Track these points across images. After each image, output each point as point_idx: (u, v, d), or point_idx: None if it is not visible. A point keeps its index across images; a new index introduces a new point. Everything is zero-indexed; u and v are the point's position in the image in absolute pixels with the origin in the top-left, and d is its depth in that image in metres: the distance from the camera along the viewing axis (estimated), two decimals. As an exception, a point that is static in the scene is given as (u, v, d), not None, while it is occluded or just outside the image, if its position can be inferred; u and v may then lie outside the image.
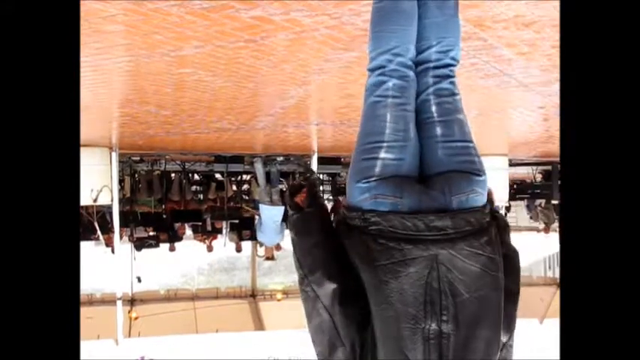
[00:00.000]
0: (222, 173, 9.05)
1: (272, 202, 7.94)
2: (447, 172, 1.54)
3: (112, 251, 8.27)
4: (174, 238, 9.55)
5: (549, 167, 9.77)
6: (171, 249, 9.71)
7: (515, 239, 1.75)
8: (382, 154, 1.54)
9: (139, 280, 9.87)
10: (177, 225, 9.56)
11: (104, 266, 10.62)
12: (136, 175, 9.11)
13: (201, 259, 16.99)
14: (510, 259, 1.58)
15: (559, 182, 8.83)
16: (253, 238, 9.36)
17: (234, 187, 10.02)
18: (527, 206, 11.91)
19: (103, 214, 8.18)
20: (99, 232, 7.78)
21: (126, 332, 8.68)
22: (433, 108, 1.62)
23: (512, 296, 1.56)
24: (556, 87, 3.86)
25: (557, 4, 1.73)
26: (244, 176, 9.78)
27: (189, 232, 10.19)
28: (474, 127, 1.65)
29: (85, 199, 6.53)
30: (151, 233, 9.24)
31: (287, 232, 8.02)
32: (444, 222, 1.45)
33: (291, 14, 2.45)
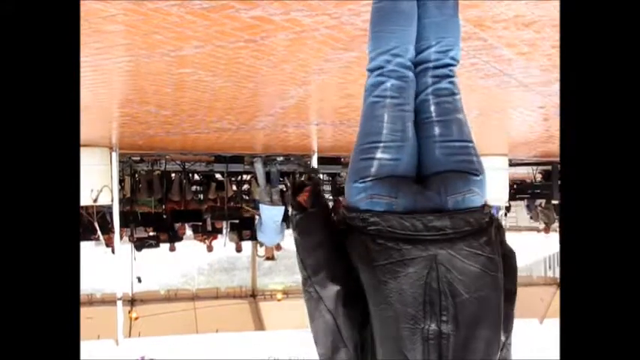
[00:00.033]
0: (222, 173, 9.05)
1: (272, 202, 7.94)
2: (443, 172, 1.54)
3: (112, 251, 8.27)
4: (174, 238, 9.55)
5: (549, 167, 9.77)
6: (172, 249, 9.71)
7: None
8: (379, 155, 1.54)
9: (139, 280, 9.87)
10: (177, 225, 9.56)
11: (104, 266, 10.61)
12: (136, 175, 9.11)
13: (202, 259, 16.98)
14: (507, 259, 1.58)
15: (559, 182, 8.83)
16: (253, 238, 9.37)
17: (235, 187, 10.03)
18: (528, 206, 11.91)
19: (103, 214, 8.18)
20: (99, 232, 7.78)
21: (126, 332, 8.68)
22: (432, 108, 1.62)
23: (510, 296, 1.56)
24: (556, 87, 3.86)
25: (557, 4, 1.73)
26: (244, 176, 9.78)
27: (189, 232, 10.19)
28: (474, 127, 1.65)
29: (85, 199, 6.53)
30: (151, 233, 9.25)
31: (287, 232, 8.03)
32: (442, 222, 1.45)
33: (291, 14, 2.45)
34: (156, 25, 2.55)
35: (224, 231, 9.88)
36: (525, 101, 4.56)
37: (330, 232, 1.56)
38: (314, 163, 7.64)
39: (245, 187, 10.05)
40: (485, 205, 1.55)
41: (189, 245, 10.82)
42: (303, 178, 8.10)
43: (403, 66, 1.61)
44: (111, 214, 7.67)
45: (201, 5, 2.34)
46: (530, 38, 2.87)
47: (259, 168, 8.12)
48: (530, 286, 13.64)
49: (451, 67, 1.65)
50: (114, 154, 6.87)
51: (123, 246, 8.29)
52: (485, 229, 1.51)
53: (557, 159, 8.40)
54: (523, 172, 10.36)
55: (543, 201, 11.11)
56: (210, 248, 10.38)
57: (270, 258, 10.38)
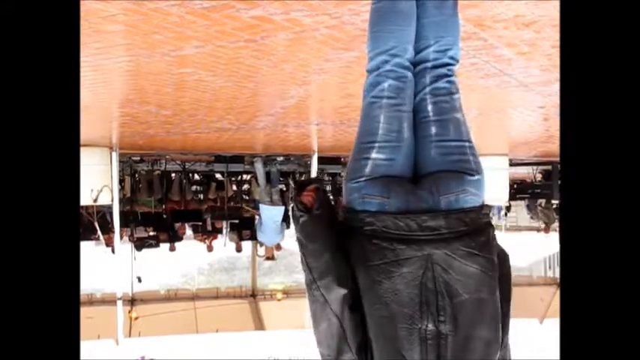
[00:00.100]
0: (222, 173, 9.05)
1: (272, 202, 7.95)
2: (437, 172, 1.54)
3: (112, 251, 8.27)
4: (174, 238, 9.55)
5: (549, 167, 9.77)
6: (172, 249, 9.71)
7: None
8: (374, 155, 1.54)
9: (139, 280, 9.87)
10: (177, 225, 9.56)
11: (104, 266, 10.63)
12: (137, 175, 9.12)
13: (202, 259, 17.01)
14: (501, 259, 1.57)
15: (559, 182, 8.83)
16: (253, 237, 9.36)
17: (235, 187, 10.03)
18: (528, 206, 11.91)
19: (103, 214, 8.18)
20: (99, 232, 7.79)
21: (126, 332, 8.68)
22: (429, 107, 1.61)
23: (506, 295, 1.56)
24: (556, 87, 3.86)
25: (557, 4, 1.73)
26: (244, 176, 9.78)
27: (189, 232, 10.19)
28: (473, 126, 1.65)
29: (85, 199, 6.53)
30: (151, 233, 9.24)
31: (287, 232, 8.04)
32: (437, 222, 1.45)
33: (292, 14, 2.45)
34: (156, 25, 2.55)
35: (224, 231, 9.88)
36: (525, 101, 4.56)
37: (335, 233, 1.54)
38: (314, 163, 7.63)
39: (245, 187, 10.06)
40: (483, 205, 1.55)
41: (189, 245, 10.83)
42: (304, 178, 8.11)
43: (401, 66, 1.61)
44: (111, 213, 7.67)
45: (201, 5, 2.34)
46: (530, 38, 2.87)
47: (259, 168, 8.12)
48: (530, 286, 13.64)
49: (450, 67, 1.65)
50: (114, 154, 6.87)
51: (123, 246, 8.29)
52: (482, 229, 1.50)
53: (557, 159, 8.41)
54: (523, 171, 10.36)
55: (543, 201, 11.11)
56: (210, 248, 10.38)
57: (270, 258, 10.38)
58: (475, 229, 1.48)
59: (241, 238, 9.71)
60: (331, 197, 9.28)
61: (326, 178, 8.87)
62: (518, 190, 10.71)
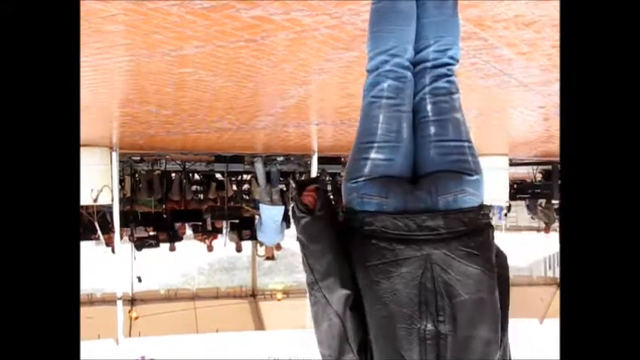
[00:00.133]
0: (222, 173, 9.05)
1: (272, 202, 7.94)
2: (436, 172, 1.54)
3: (113, 251, 8.28)
4: (174, 237, 9.55)
5: (549, 167, 9.77)
6: (172, 249, 9.71)
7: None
8: (372, 155, 1.54)
9: (139, 279, 9.88)
10: (177, 225, 9.56)
11: (104, 266, 10.63)
12: (137, 175, 9.12)
13: (202, 259, 17.01)
14: (499, 260, 1.57)
15: (559, 182, 8.83)
16: (253, 237, 9.37)
17: (235, 187, 10.02)
18: (528, 206, 11.91)
19: (103, 213, 8.18)
20: (99, 232, 7.79)
21: (126, 332, 8.68)
22: (428, 107, 1.61)
23: (505, 295, 1.56)
24: (556, 87, 3.85)
25: (557, 4, 1.73)
26: (244, 176, 9.78)
27: (189, 231, 10.19)
28: (473, 126, 1.65)
29: (85, 199, 6.53)
30: (151, 233, 9.24)
31: (287, 231, 8.04)
32: (436, 222, 1.45)
33: (292, 14, 2.45)
34: (156, 25, 2.55)
35: (224, 231, 9.88)
36: (525, 101, 4.56)
37: (336, 234, 1.54)
38: (314, 163, 7.63)
39: (245, 186, 10.05)
40: (482, 206, 1.55)
41: (189, 245, 10.83)
42: (304, 178, 8.10)
43: (401, 66, 1.61)
44: (111, 213, 7.67)
45: (201, 5, 2.34)
46: (530, 38, 2.87)
47: (259, 168, 8.12)
48: (530, 286, 13.64)
49: (449, 67, 1.65)
50: (114, 154, 6.87)
51: (123, 246, 8.30)
52: (482, 229, 1.50)
53: (557, 159, 8.40)
54: (523, 171, 10.36)
55: (543, 201, 11.11)
56: (210, 248, 10.38)
57: (270, 258, 10.39)
58: (474, 229, 1.48)
59: (241, 238, 9.71)
60: (332, 197, 9.29)
61: (326, 178, 8.87)
62: (519, 190, 10.71)
